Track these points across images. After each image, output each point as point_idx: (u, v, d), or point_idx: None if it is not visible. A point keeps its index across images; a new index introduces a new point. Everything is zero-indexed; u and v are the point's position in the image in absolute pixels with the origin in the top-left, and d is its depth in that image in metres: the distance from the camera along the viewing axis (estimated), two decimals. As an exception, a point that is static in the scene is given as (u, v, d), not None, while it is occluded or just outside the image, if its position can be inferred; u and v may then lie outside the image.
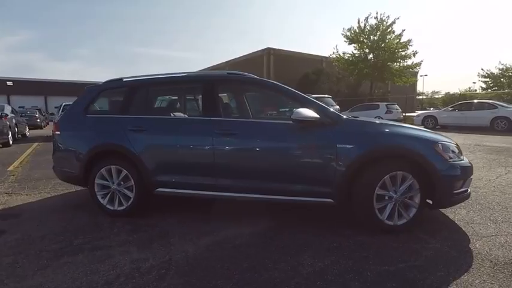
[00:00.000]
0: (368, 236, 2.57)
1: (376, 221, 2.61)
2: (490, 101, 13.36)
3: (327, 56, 30.97)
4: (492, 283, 1.90)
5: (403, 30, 21.02)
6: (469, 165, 2.75)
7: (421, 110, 32.72)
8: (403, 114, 17.83)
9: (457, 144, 2.85)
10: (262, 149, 2.82)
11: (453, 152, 2.70)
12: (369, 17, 21.37)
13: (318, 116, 2.65)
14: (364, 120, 2.97)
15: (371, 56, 22.38)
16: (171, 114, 3.35)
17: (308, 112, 2.63)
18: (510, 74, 24.42)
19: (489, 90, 24.87)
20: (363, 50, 22.61)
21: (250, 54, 30.91)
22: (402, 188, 2.62)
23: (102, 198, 3.20)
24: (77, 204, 3.67)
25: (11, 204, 3.72)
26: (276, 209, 3.27)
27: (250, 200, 2.93)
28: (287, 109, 6.12)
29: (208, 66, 38.29)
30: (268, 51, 28.79)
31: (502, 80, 25.05)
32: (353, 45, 22.87)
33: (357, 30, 22.13)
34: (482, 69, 27.32)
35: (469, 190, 2.78)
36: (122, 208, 3.15)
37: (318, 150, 2.70)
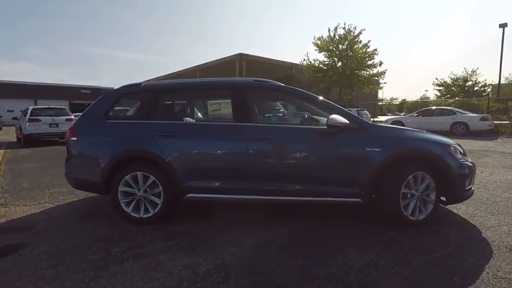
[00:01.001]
0: (395, 232, 2.81)
1: (402, 217, 2.87)
2: (449, 107, 14.79)
3: (296, 63, 32.16)
4: (516, 265, 2.22)
5: (369, 41, 22.48)
6: (473, 164, 3.13)
7: (382, 115, 35.03)
8: (373, 119, 18.98)
9: (460, 146, 3.22)
10: (295, 153, 2.97)
11: (461, 153, 3.06)
12: (338, 27, 22.54)
13: (348, 122, 2.87)
14: (386, 126, 3.24)
15: (340, 64, 23.56)
16: (197, 120, 3.36)
17: (341, 118, 2.83)
18: (460, 83, 27.27)
19: (442, 97, 27.41)
20: (332, 58, 23.76)
21: (222, 59, 30.92)
22: (422, 187, 2.91)
23: (126, 206, 3.12)
24: (89, 213, 3.52)
25: (14, 216, 3.45)
26: (300, 210, 3.41)
27: (282, 203, 3.05)
28: (271, 114, 6.37)
29: (176, 71, 37.58)
30: (240, 57, 29.03)
31: (453, 88, 27.84)
32: (323, 53, 23.98)
33: (327, 39, 23.24)
34: (436, 78, 30.07)
35: (472, 187, 3.16)
36: (148, 215, 3.09)
37: (349, 154, 2.91)
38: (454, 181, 2.89)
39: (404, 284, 2.00)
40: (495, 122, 13.36)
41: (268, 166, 2.97)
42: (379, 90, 38.27)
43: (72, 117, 11.32)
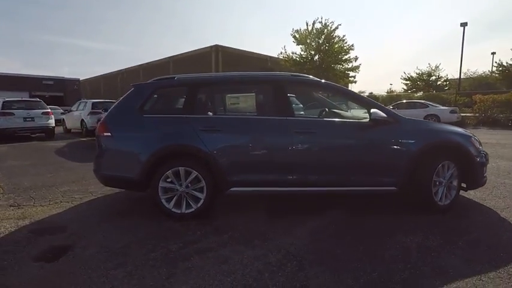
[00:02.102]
0: (428, 217, 3.07)
1: (433, 203, 3.13)
2: (422, 101, 15.83)
3: (272, 55, 32.32)
4: (542, 240, 2.55)
5: (344, 36, 23.18)
6: (487, 154, 3.48)
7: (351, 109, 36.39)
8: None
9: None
10: (337, 145, 3.11)
11: (479, 143, 3.39)
12: (316, 21, 22.97)
13: (386, 115, 3.05)
14: (416, 119, 3.47)
15: (317, 57, 24.08)
16: (233, 114, 3.36)
17: (381, 112, 3.01)
18: (425, 78, 29.20)
19: (409, 91, 29.16)
20: (309, 52, 24.22)
21: (196, 50, 30.18)
22: (448, 174, 3.19)
23: (166, 202, 3.07)
24: (116, 211, 3.41)
25: (36, 217, 3.24)
26: (330, 202, 3.57)
27: (324, 194, 3.19)
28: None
29: (148, 62, 36.10)
30: (216, 48, 28.54)
31: (418, 82, 29.73)
32: (300, 46, 24.36)
33: (304, 33, 23.61)
34: (404, 72, 31.84)
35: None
36: (190, 211, 3.08)
37: (386, 145, 3.10)
38: (476, 169, 3.21)
39: (462, 260, 2.24)
40: (461, 114, 14.56)
41: (312, 158, 3.08)
42: (349, 84, 39.73)
43: (49, 110, 10.55)
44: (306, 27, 23.50)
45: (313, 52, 24.18)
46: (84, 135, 11.19)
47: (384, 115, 3.01)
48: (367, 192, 3.22)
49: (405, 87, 31.05)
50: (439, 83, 29.20)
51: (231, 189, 3.07)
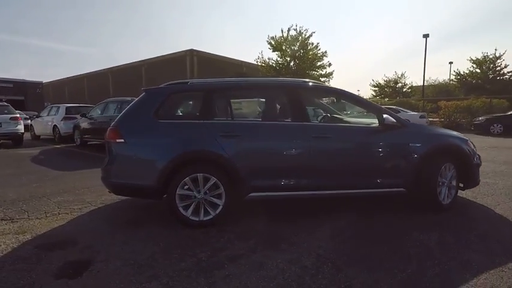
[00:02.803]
0: (434, 216, 3.26)
1: (438, 202, 3.34)
2: (394, 106, 16.77)
3: (247, 61, 32.58)
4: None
5: (318, 43, 23.97)
6: (480, 156, 3.78)
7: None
8: (325, 116, 20.39)
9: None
10: (352, 149, 3.23)
11: (474, 146, 3.68)
12: (291, 28, 23.57)
13: (395, 121, 3.23)
14: (420, 124, 3.69)
15: (292, 63, 24.65)
16: (250, 118, 3.36)
17: (391, 118, 3.18)
18: (392, 85, 31.07)
19: (377, 97, 30.80)
20: (285, 58, 24.74)
21: (171, 54, 29.61)
22: (449, 175, 3.43)
23: (184, 209, 2.99)
24: (124, 220, 3.26)
25: (38, 231, 3.00)
26: (339, 205, 3.68)
27: (339, 196, 3.27)
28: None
29: (119, 65, 34.76)
30: (191, 53, 28.21)
31: (386, 89, 31.53)
32: (276, 52, 24.82)
33: (279, 40, 24.12)
34: (372, 79, 33.65)
35: None
36: (208, 218, 3.02)
37: (396, 149, 3.27)
38: (472, 170, 3.48)
39: (481, 254, 2.41)
40: (429, 119, 15.62)
41: (328, 162, 3.16)
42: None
43: (18, 115, 9.79)
44: (281, 34, 24.04)
45: (288, 58, 24.74)
46: (58, 142, 10.52)
47: (394, 120, 3.19)
48: (378, 194, 3.37)
49: (374, 94, 32.73)
50: (404, 89, 31.15)
51: (250, 194, 3.07)
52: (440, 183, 3.37)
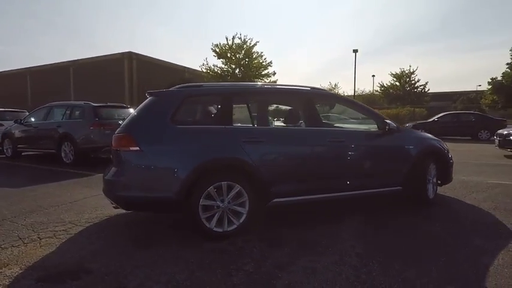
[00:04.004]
0: (423, 210, 3.66)
1: (426, 197, 3.78)
2: (336, 114, 18.23)
3: (189, 66, 31.90)
4: None
5: (262, 52, 24.77)
6: (452, 156, 4.39)
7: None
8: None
9: None
10: (362, 152, 3.45)
11: (447, 146, 4.27)
12: (236, 37, 23.94)
13: (395, 125, 3.57)
14: (409, 129, 4.11)
15: (238, 71, 24.96)
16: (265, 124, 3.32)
17: (393, 123, 3.50)
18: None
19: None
20: (230, 66, 24.95)
21: (105, 56, 27.21)
22: (432, 173, 3.91)
23: (207, 221, 2.80)
24: (136, 238, 2.90)
25: (27, 262, 2.45)
26: (341, 206, 3.87)
27: (351, 198, 3.44)
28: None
29: (43, 64, 30.42)
30: (130, 56, 26.40)
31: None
32: (221, 60, 24.89)
33: (224, 48, 24.29)
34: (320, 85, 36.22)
35: None
36: (232, 228, 2.88)
37: (396, 151, 3.61)
38: (449, 168, 4.04)
39: (483, 238, 2.81)
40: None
41: (342, 165, 3.32)
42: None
43: None
44: (226, 42, 24.23)
45: (233, 66, 25.01)
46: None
47: (395, 125, 3.53)
48: (380, 193, 3.64)
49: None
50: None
51: (274, 200, 3.03)
52: (427, 181, 3.83)
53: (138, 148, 2.65)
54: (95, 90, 23.43)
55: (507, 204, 3.88)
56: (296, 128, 3.29)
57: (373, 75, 41.17)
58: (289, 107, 3.58)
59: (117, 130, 2.89)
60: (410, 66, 28.70)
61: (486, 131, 14.05)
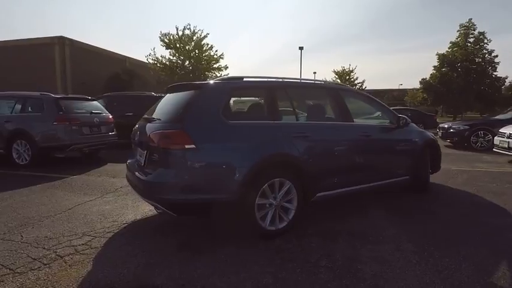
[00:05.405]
0: (425, 195, 4.11)
1: (428, 183, 4.22)
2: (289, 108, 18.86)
3: (130, 56, 29.52)
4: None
5: (212, 46, 24.11)
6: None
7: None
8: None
9: None
10: (385, 145, 3.70)
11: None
12: (186, 27, 22.92)
13: (409, 120, 3.89)
14: (412, 124, 4.45)
15: (188, 63, 23.97)
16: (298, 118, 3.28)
17: (407, 118, 3.81)
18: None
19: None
20: (180, 57, 23.82)
21: (30, 40, 23.44)
22: (429, 164, 4.37)
23: (261, 220, 2.69)
24: (180, 244, 2.63)
25: (64, 285, 2.06)
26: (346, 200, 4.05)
27: (374, 189, 3.63)
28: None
29: None
30: (62, 41, 23.21)
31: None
32: (170, 50, 23.61)
33: (174, 37, 23.09)
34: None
35: None
36: (283, 225, 2.83)
37: (407, 143, 3.93)
38: (439, 158, 4.56)
39: (489, 215, 3.29)
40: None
41: (371, 158, 3.50)
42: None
43: None
44: (176, 32, 23.03)
45: (183, 58, 23.92)
46: None
47: (409, 120, 3.84)
48: (394, 183, 3.91)
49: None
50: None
51: (317, 195, 3.05)
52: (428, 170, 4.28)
53: (194, 146, 2.39)
54: (18, 79, 20.08)
55: (484, 187, 4.56)
56: (335, 123, 3.34)
57: (315, 72, 43.57)
58: (316, 102, 3.62)
59: (158, 127, 2.57)
60: (350, 64, 31.30)
61: (421, 125, 16.09)
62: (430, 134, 4.51)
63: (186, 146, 2.38)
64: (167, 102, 3.03)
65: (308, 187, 2.96)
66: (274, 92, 2.97)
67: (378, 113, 4.07)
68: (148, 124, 2.83)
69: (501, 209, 3.59)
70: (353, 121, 3.44)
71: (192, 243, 2.68)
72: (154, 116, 2.93)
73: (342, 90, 3.61)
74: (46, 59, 22.96)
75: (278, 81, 3.17)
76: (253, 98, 4.12)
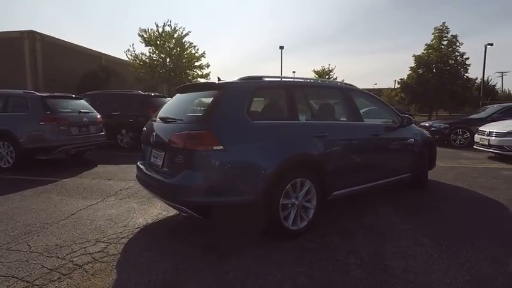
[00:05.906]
0: (426, 191, 4.30)
1: (427, 180, 4.41)
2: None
3: (106, 53, 28.40)
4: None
5: (191, 43, 23.67)
6: None
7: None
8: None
9: None
10: (392, 144, 3.80)
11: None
12: (166, 24, 22.39)
13: (412, 120, 4.04)
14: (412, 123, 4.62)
15: (168, 60, 23.42)
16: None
17: (409, 116, 3.95)
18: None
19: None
20: (160, 55, 23.23)
21: (-3, 33, 21.91)
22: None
23: (285, 220, 2.69)
24: (204, 246, 2.57)
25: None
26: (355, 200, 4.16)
27: (381, 186, 3.73)
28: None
29: None
30: (33, 36, 21.85)
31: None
32: (149, 48, 22.98)
33: (154, 34, 22.49)
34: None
35: None
36: (304, 224, 2.84)
37: (409, 141, 4.07)
38: (435, 155, 4.78)
39: (496, 208, 3.49)
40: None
41: (380, 156, 3.61)
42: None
43: None
44: (156, 29, 22.44)
45: (163, 55, 23.35)
46: None
47: (412, 120, 3.99)
48: (397, 180, 4.04)
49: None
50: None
51: (334, 193, 3.09)
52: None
53: (222, 147, 2.33)
54: (-17, 76, 18.74)
55: (475, 182, 4.84)
56: (349, 122, 3.40)
57: (294, 71, 44.13)
58: (330, 102, 3.67)
59: (182, 128, 2.49)
60: (329, 64, 31.96)
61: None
62: (427, 132, 4.71)
63: (214, 147, 2.33)
64: (182, 102, 2.94)
65: (326, 186, 2.99)
66: (293, 92, 2.97)
67: (384, 113, 4.18)
68: (167, 125, 2.73)
69: (496, 202, 3.83)
70: (363, 121, 3.52)
71: (215, 246, 2.62)
72: (171, 116, 2.83)
73: (353, 91, 3.68)
74: (15, 54, 21.59)
75: (296, 81, 3.19)
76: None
